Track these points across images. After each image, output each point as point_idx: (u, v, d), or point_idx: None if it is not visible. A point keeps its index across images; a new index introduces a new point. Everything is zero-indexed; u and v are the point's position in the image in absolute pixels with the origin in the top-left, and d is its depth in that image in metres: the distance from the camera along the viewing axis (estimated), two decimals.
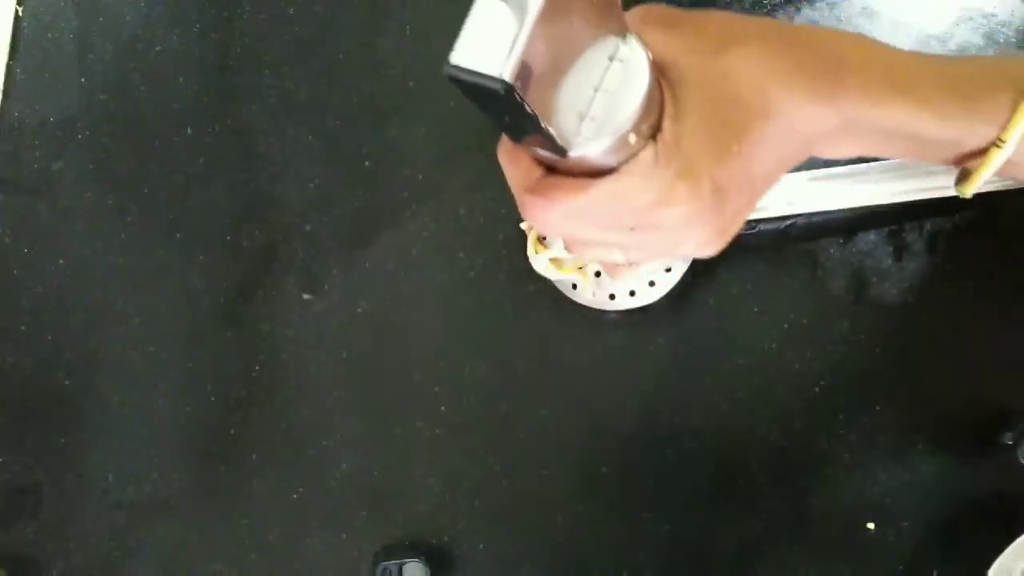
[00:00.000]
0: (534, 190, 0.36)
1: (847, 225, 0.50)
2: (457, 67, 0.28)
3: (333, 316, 0.53)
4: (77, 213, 0.55)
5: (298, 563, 0.51)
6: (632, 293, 0.51)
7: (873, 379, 0.49)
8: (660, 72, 0.36)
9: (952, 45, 0.51)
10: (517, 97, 0.28)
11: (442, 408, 0.52)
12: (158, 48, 0.57)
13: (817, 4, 0.52)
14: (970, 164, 0.39)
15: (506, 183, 0.36)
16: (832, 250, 0.50)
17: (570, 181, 0.35)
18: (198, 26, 0.57)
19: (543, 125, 0.30)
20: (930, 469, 0.48)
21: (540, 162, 0.36)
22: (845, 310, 0.50)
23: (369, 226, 0.54)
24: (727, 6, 0.53)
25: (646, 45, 0.35)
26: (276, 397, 0.53)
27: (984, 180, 0.39)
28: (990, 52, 0.51)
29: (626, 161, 0.35)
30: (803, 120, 0.36)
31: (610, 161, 0.34)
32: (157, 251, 0.55)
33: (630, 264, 0.43)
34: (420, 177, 0.53)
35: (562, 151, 0.33)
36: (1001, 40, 0.51)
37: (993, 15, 0.51)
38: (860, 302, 0.50)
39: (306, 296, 0.53)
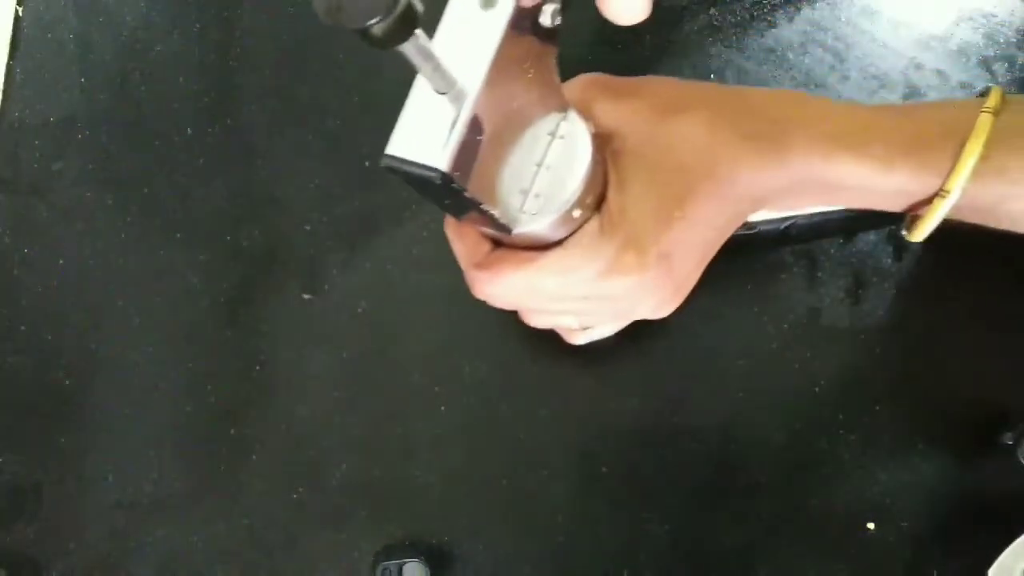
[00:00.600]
0: (480, 265, 0.35)
1: (847, 225, 0.50)
2: (393, 157, 0.27)
3: (333, 316, 0.53)
4: (77, 213, 0.55)
5: (298, 563, 0.51)
6: None
7: (873, 379, 0.49)
8: (603, 141, 0.35)
9: (952, 45, 0.51)
10: (455, 185, 0.27)
11: (442, 408, 0.52)
12: (158, 48, 0.57)
13: (817, 4, 0.52)
14: (921, 211, 0.39)
15: None
16: (832, 250, 0.50)
17: (517, 255, 0.35)
18: (198, 26, 0.57)
19: (484, 207, 0.30)
20: (930, 469, 0.48)
21: (488, 236, 0.36)
22: (845, 310, 0.50)
23: (369, 226, 0.54)
24: (727, 5, 0.53)
25: (590, 114, 0.34)
26: (276, 397, 0.53)
27: (931, 227, 0.39)
28: (990, 52, 0.51)
29: (572, 233, 0.34)
30: (750, 181, 0.36)
31: (556, 234, 0.34)
32: (157, 251, 0.55)
33: (584, 328, 0.43)
34: None
35: (506, 229, 0.32)
36: (1001, 40, 0.51)
37: (993, 15, 0.51)
38: (860, 302, 0.50)
39: (306, 296, 0.53)
